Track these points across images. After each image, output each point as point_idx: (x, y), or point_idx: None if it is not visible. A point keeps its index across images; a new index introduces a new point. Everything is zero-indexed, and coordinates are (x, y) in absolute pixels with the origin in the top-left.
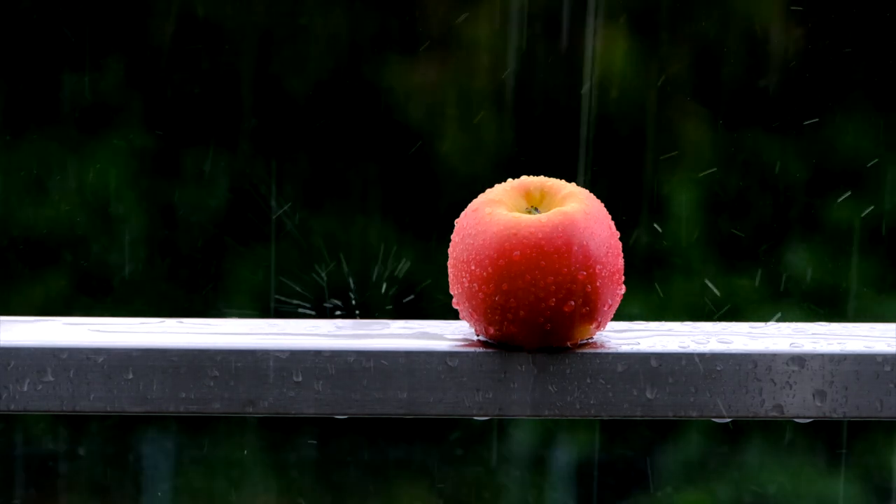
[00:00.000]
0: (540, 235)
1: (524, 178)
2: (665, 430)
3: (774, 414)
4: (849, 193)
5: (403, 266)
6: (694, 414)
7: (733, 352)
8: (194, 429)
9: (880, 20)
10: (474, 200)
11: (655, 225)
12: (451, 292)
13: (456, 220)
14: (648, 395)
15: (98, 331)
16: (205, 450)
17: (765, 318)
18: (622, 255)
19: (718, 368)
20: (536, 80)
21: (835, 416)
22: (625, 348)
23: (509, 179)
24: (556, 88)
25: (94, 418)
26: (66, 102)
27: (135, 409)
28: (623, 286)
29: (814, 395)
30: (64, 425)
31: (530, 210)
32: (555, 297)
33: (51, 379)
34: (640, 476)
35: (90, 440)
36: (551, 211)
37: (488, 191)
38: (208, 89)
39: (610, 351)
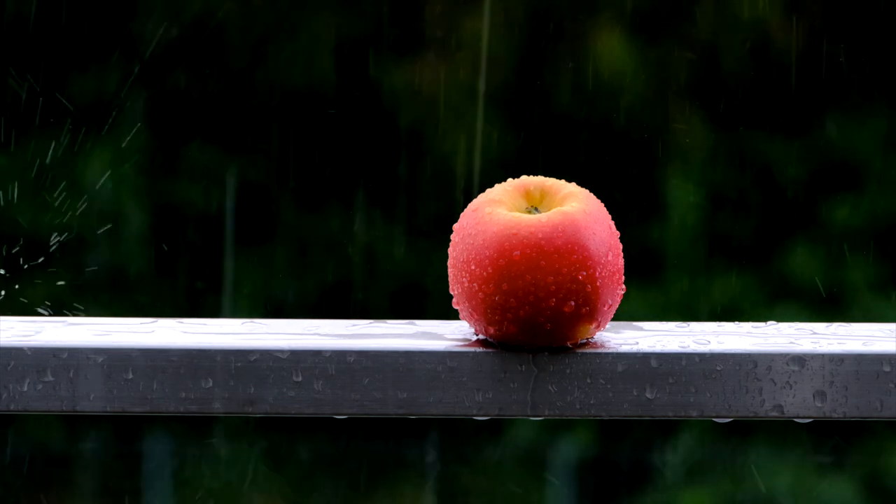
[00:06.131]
0: (540, 235)
1: (524, 177)
2: (665, 430)
3: (774, 414)
4: (849, 193)
5: (403, 265)
6: (694, 414)
7: (733, 352)
8: (194, 428)
9: (880, 20)
10: (474, 200)
11: (655, 225)
12: (451, 292)
13: (455, 221)
14: (648, 395)
15: (98, 331)
16: (204, 449)
17: (765, 318)
18: (622, 254)
19: (718, 368)
20: (536, 80)
21: (835, 416)
22: (625, 348)
23: (509, 179)
24: (556, 88)
25: (95, 418)
26: (67, 102)
27: (135, 409)
28: (623, 286)
29: (814, 395)
30: (64, 425)
31: (530, 210)
32: (555, 297)
33: (51, 379)
34: (641, 476)
35: (91, 439)
36: (551, 211)
37: (488, 191)
38: (209, 89)
39: (610, 351)
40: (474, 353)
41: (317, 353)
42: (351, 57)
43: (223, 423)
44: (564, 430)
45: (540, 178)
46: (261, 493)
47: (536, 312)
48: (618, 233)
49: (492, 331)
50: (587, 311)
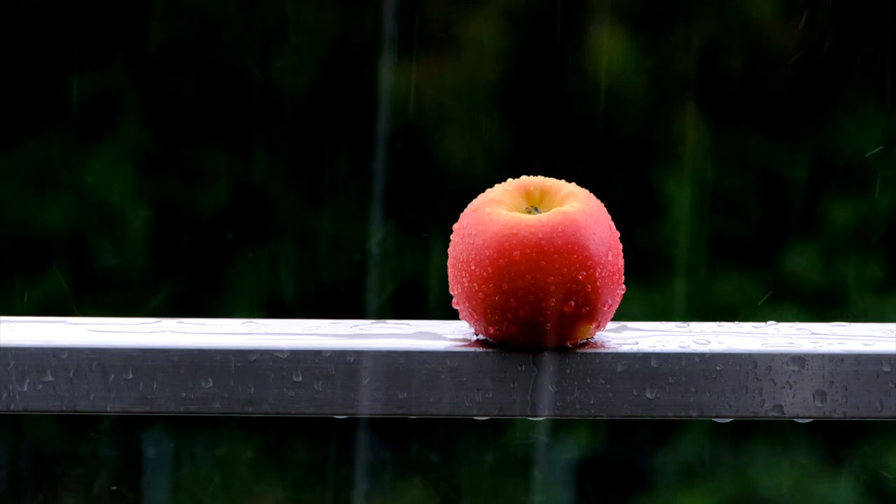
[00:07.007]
0: (540, 235)
1: (524, 178)
2: (665, 430)
3: (774, 414)
4: (848, 193)
5: (403, 265)
6: (694, 414)
7: (733, 352)
8: (194, 428)
9: (881, 18)
10: (474, 200)
11: (655, 225)
12: (451, 292)
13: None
14: (648, 395)
15: (98, 331)
16: (204, 449)
17: (765, 318)
18: (622, 254)
19: (718, 368)
20: (536, 80)
21: (835, 416)
22: (625, 348)
23: (509, 179)
24: (556, 88)
25: (95, 418)
26: (67, 103)
27: (135, 409)
28: (623, 286)
29: (814, 395)
30: (63, 425)
31: (530, 210)
32: (555, 297)
33: (51, 379)
34: (640, 476)
35: (91, 439)
36: (551, 211)
37: (488, 191)
38: (208, 89)
39: (610, 351)
40: (474, 353)
41: (317, 353)
42: (350, 56)
43: (223, 422)
44: (564, 430)
45: (540, 178)
46: (261, 493)
47: (536, 312)
48: (618, 233)
49: (492, 331)
50: (587, 311)
